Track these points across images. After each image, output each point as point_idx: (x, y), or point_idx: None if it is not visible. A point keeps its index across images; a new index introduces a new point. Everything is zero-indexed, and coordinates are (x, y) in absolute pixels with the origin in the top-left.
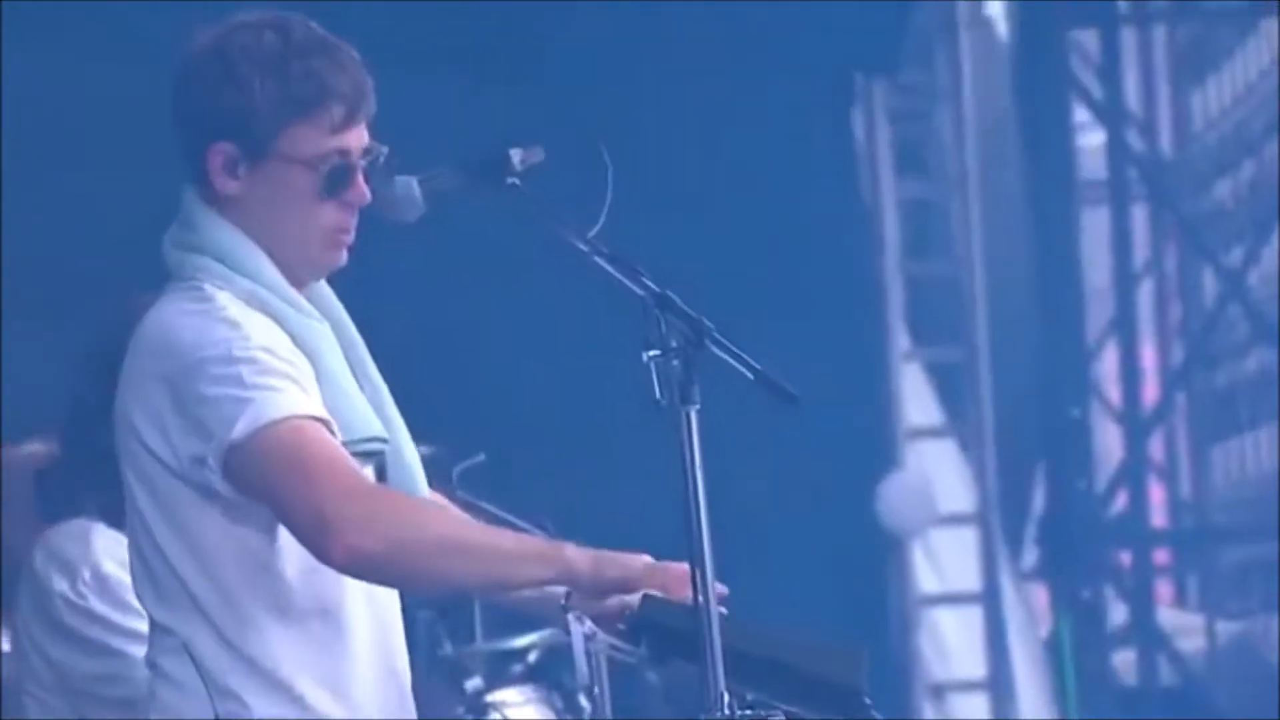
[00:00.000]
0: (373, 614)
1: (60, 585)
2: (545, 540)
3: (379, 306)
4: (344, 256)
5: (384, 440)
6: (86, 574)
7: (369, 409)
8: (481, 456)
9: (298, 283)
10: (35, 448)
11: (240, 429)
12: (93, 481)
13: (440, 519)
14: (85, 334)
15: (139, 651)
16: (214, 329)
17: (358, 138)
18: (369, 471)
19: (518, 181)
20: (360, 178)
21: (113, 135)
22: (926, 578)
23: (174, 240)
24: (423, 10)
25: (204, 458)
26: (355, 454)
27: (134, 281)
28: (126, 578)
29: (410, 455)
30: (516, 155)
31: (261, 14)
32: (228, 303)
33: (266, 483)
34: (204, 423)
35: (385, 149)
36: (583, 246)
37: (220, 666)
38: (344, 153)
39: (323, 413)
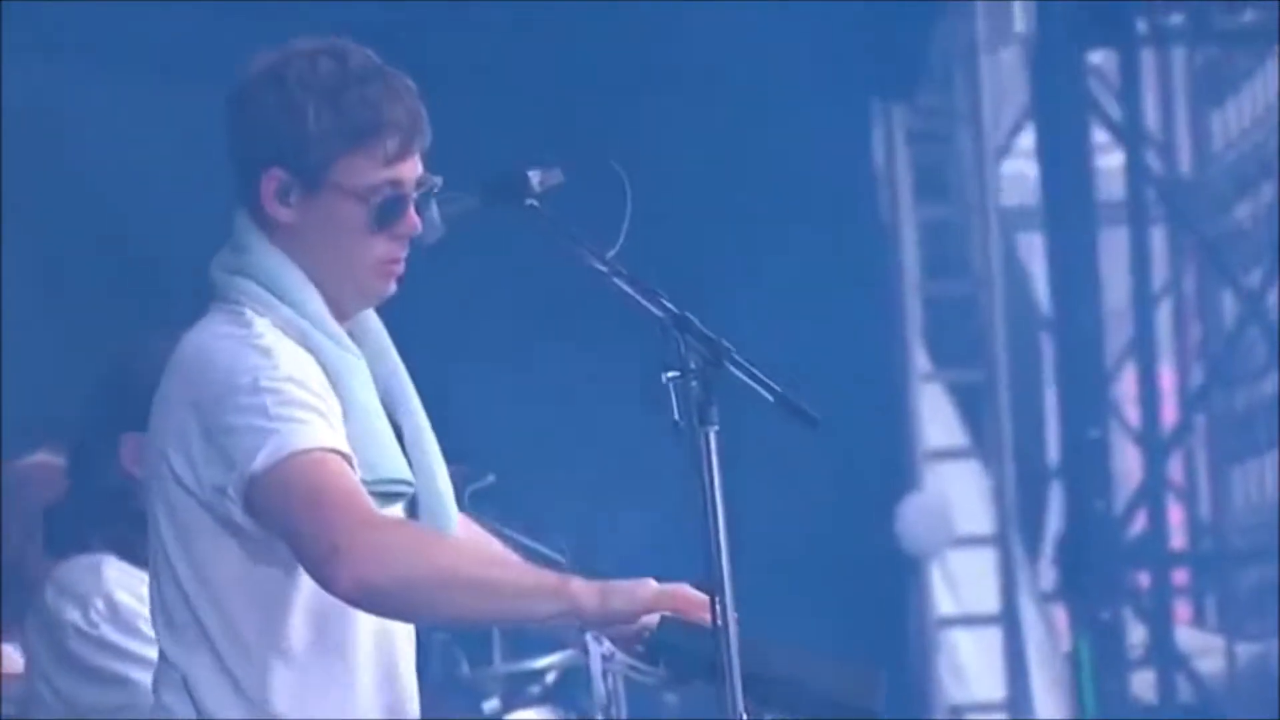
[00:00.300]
0: (380, 655)
1: (72, 615)
2: (553, 574)
3: (389, 326)
4: (393, 286)
5: (409, 484)
6: (99, 603)
7: (397, 450)
8: (491, 478)
9: (344, 311)
10: (42, 458)
11: (261, 460)
12: (99, 517)
13: (451, 553)
14: (91, 372)
15: (151, 679)
16: (246, 357)
17: (411, 168)
18: (397, 509)
19: (536, 203)
20: (412, 209)
21: (117, 147)
22: (945, 599)
23: (222, 263)
24: (431, 29)
25: (225, 488)
26: (377, 494)
27: (136, 290)
28: (139, 606)
29: (444, 487)
30: (535, 177)
31: (319, 40)
32: (265, 330)
33: (282, 513)
34: (227, 452)
35: (439, 179)
36: (601, 268)
37: (218, 703)
38: (396, 184)
39: (345, 447)
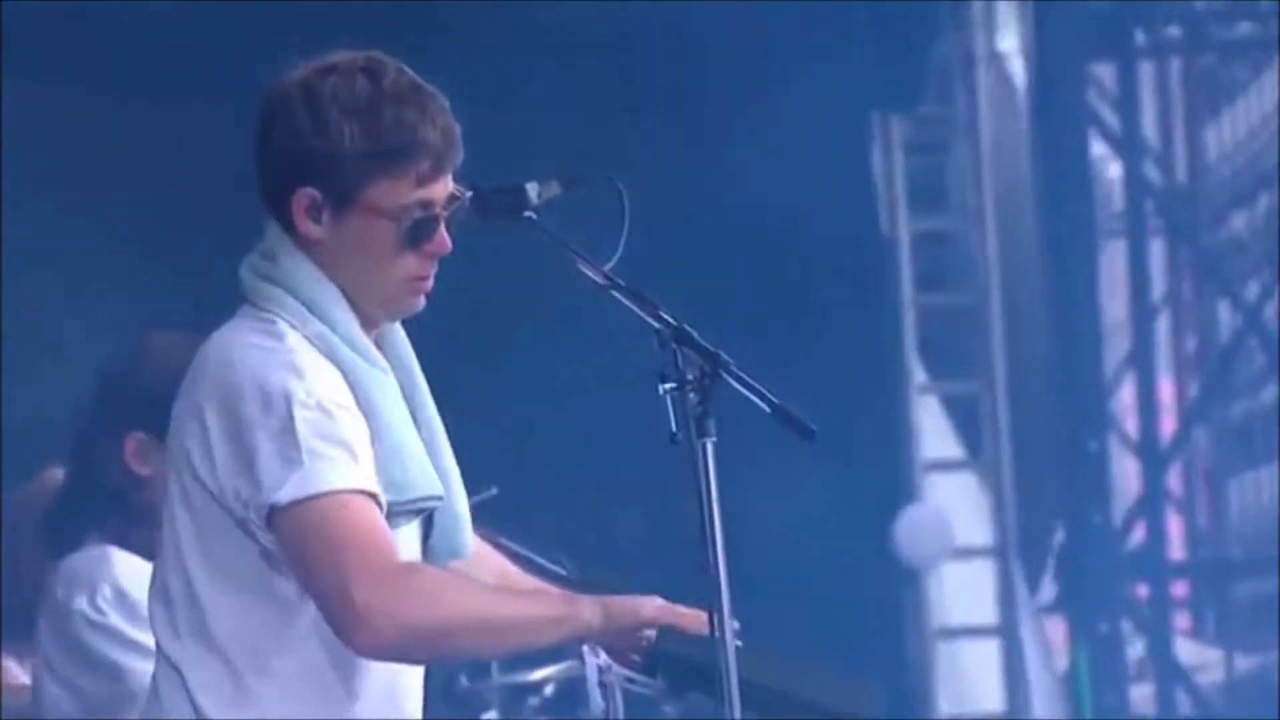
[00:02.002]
0: (388, 670)
1: (80, 603)
2: (557, 597)
3: None
4: (421, 302)
5: (439, 498)
6: (107, 590)
7: (428, 465)
8: (494, 490)
9: (372, 324)
10: (54, 474)
11: (285, 493)
12: (99, 513)
13: (462, 598)
14: (92, 371)
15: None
16: (279, 375)
17: (443, 188)
18: (415, 526)
19: (534, 215)
20: (443, 229)
21: (116, 159)
22: (944, 611)
23: (254, 267)
24: (432, 38)
25: (247, 502)
26: (408, 511)
27: (137, 299)
28: (145, 597)
29: (460, 506)
30: (533, 189)
31: (354, 55)
32: (297, 345)
33: (300, 555)
34: (253, 472)
35: (469, 193)
36: (599, 279)
37: (219, 707)
38: (427, 204)
39: (370, 485)
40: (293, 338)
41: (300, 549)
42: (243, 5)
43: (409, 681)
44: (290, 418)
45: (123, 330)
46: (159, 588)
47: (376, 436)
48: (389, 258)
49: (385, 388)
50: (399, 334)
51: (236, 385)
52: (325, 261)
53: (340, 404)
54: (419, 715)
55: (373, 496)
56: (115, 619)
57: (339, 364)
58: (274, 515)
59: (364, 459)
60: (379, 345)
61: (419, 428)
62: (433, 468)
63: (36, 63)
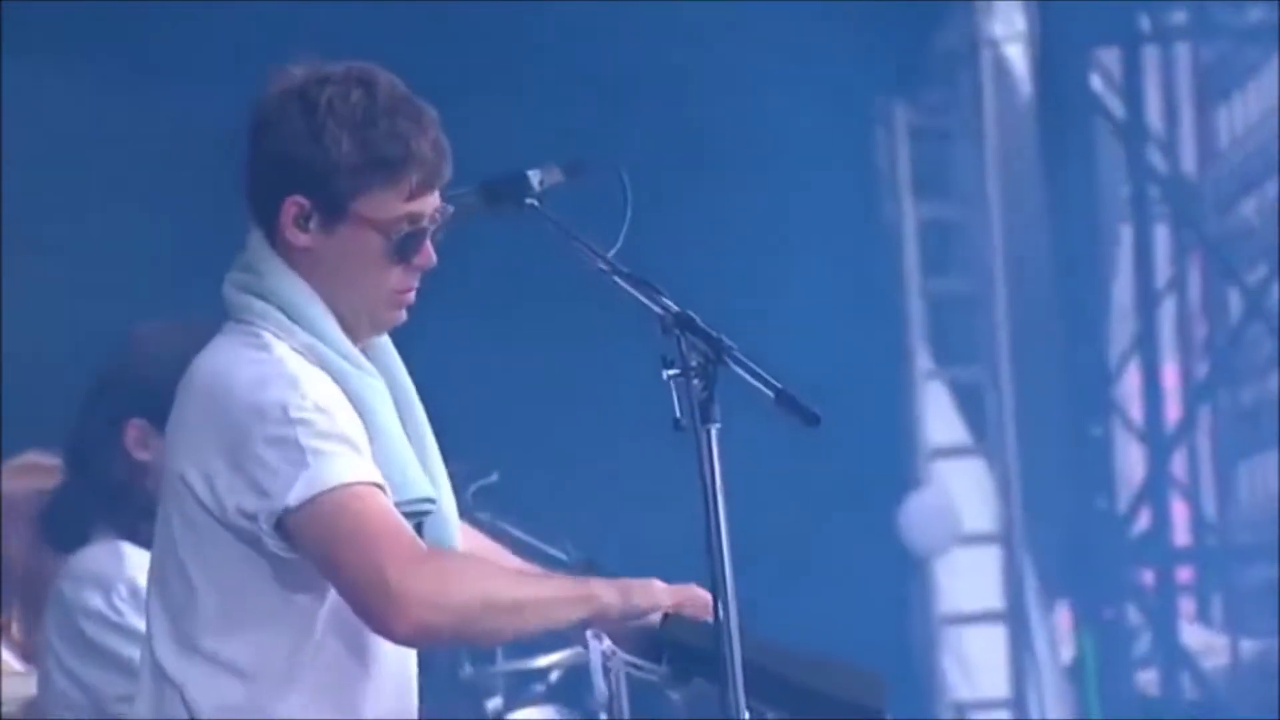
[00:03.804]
0: (397, 678)
1: (95, 601)
2: (572, 579)
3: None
4: (403, 316)
5: (433, 501)
6: (122, 589)
7: (420, 469)
8: (495, 476)
9: (356, 335)
10: (32, 457)
11: (296, 494)
12: (103, 509)
13: (490, 579)
14: (86, 366)
15: None
16: (271, 385)
17: (431, 202)
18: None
19: (536, 203)
20: (428, 242)
21: (116, 154)
22: (950, 597)
23: (236, 281)
24: (431, 27)
25: (256, 515)
26: (404, 514)
27: (135, 297)
28: None
29: (448, 509)
30: (535, 176)
31: (348, 66)
32: (286, 355)
33: (323, 551)
34: (258, 482)
35: (451, 209)
36: (602, 266)
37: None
38: (416, 218)
39: (378, 477)
40: (280, 349)
41: (323, 544)
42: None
43: (413, 673)
44: (288, 423)
45: (123, 323)
46: (157, 601)
47: (371, 439)
48: (375, 269)
49: (377, 392)
50: (386, 345)
51: (229, 404)
52: (309, 271)
53: (336, 403)
54: (415, 707)
55: (380, 488)
56: (133, 618)
57: (330, 371)
58: (286, 520)
59: (366, 454)
60: (366, 356)
61: (411, 437)
62: (424, 473)
63: (37, 50)
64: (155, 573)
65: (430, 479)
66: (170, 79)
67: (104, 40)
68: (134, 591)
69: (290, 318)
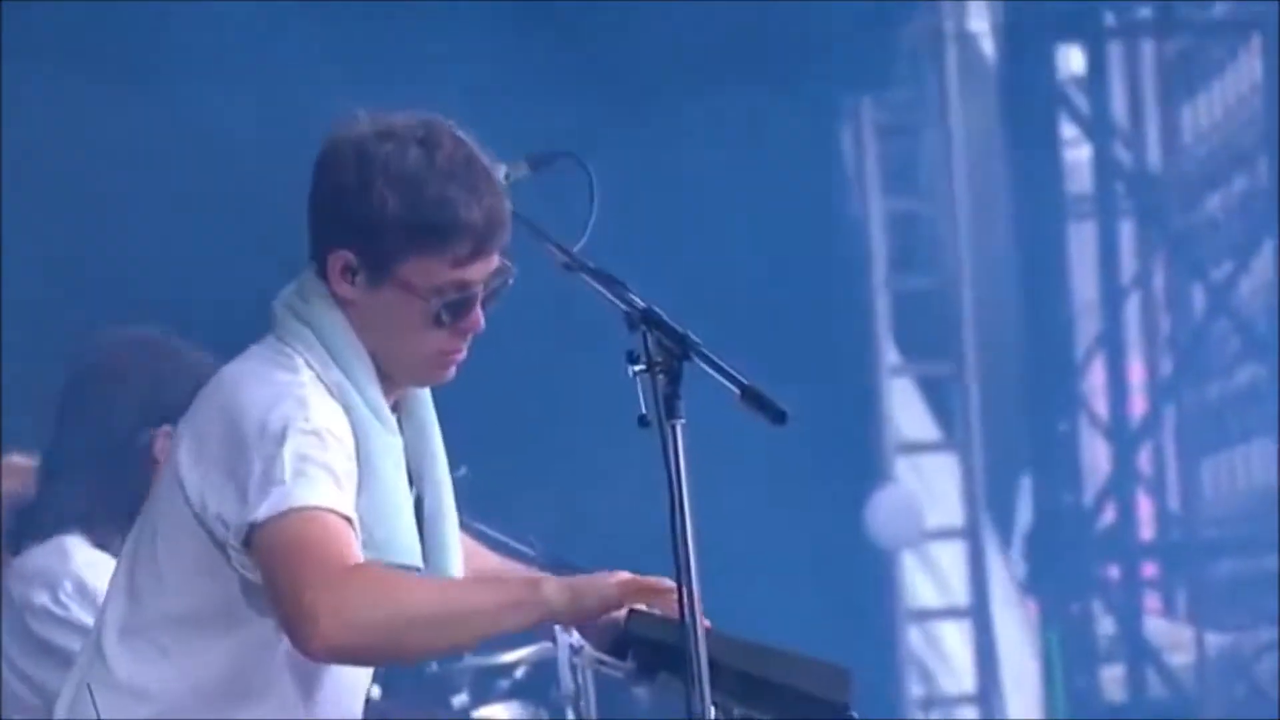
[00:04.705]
0: (342, 695)
1: (41, 598)
2: (522, 581)
3: None
4: (450, 374)
5: (417, 569)
6: (68, 585)
7: (413, 532)
8: (464, 470)
9: (393, 386)
10: (14, 459)
11: (264, 511)
12: (71, 507)
13: (421, 593)
14: (63, 367)
15: None
16: (283, 404)
17: (483, 269)
18: None
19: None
20: (478, 308)
21: (115, 157)
22: (916, 591)
23: (287, 302)
24: (415, 21)
25: (229, 523)
26: None
27: (135, 297)
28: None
29: (454, 568)
30: (501, 170)
31: (415, 122)
32: (309, 382)
33: (267, 567)
34: (240, 492)
35: (514, 271)
36: (568, 261)
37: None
38: (464, 285)
39: (347, 510)
40: (307, 375)
41: (267, 561)
42: None
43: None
44: (283, 440)
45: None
46: (127, 580)
47: (364, 488)
48: (417, 332)
49: (389, 451)
50: (424, 398)
51: (241, 415)
52: (356, 320)
53: (338, 437)
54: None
55: (349, 521)
56: (80, 613)
57: (350, 416)
58: (251, 534)
59: (347, 491)
60: (401, 406)
61: (425, 494)
62: (417, 538)
63: (37, 50)
64: (125, 562)
65: (436, 537)
66: (171, 80)
67: (104, 41)
68: (80, 588)
69: (328, 351)
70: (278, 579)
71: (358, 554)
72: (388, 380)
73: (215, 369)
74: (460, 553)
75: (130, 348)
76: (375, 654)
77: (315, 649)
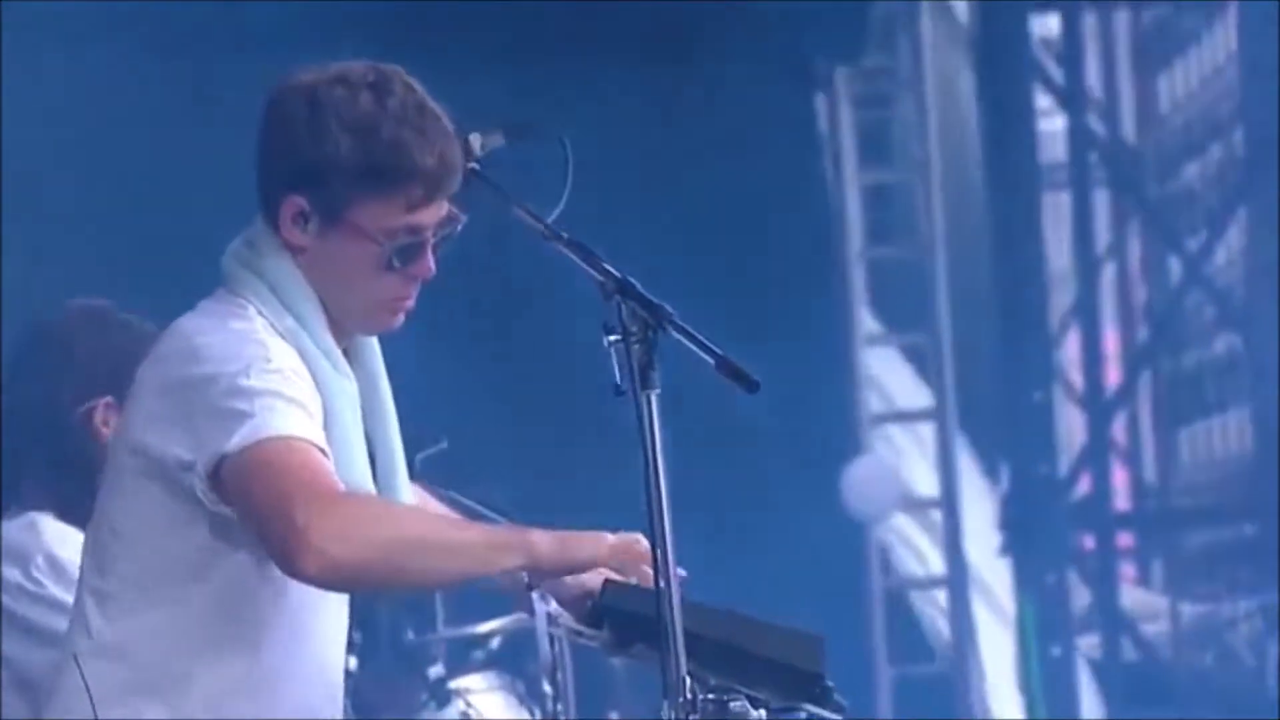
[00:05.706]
0: (320, 656)
1: (12, 574)
2: (512, 528)
3: None
4: (399, 321)
5: None
6: (40, 560)
7: (368, 476)
8: (444, 443)
9: (345, 333)
10: None
11: (235, 441)
12: (35, 481)
13: (413, 519)
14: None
15: None
16: (241, 347)
17: (434, 213)
18: None
19: (477, 166)
20: (429, 253)
21: (113, 136)
22: (892, 560)
23: (236, 255)
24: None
25: (193, 464)
26: None
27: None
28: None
29: (406, 500)
30: (476, 140)
31: (365, 67)
32: (263, 329)
33: (246, 494)
34: (205, 431)
35: (464, 218)
36: (543, 231)
37: (151, 680)
38: (415, 229)
39: (321, 441)
40: (260, 323)
41: (245, 489)
42: None
43: (339, 649)
44: (248, 378)
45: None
46: (93, 559)
47: (328, 434)
48: (369, 277)
49: (343, 393)
50: (373, 346)
51: (198, 360)
52: (306, 266)
53: (302, 375)
54: (340, 661)
55: (322, 451)
56: (53, 588)
57: (304, 360)
58: (222, 466)
59: (317, 421)
60: (350, 355)
61: (376, 442)
62: (372, 482)
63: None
64: (91, 533)
65: (387, 483)
66: (175, 60)
67: (108, 23)
68: (52, 562)
69: (280, 300)
70: (263, 500)
71: (336, 478)
72: (337, 327)
73: None
74: (413, 498)
75: (78, 318)
76: (372, 574)
77: (308, 565)
